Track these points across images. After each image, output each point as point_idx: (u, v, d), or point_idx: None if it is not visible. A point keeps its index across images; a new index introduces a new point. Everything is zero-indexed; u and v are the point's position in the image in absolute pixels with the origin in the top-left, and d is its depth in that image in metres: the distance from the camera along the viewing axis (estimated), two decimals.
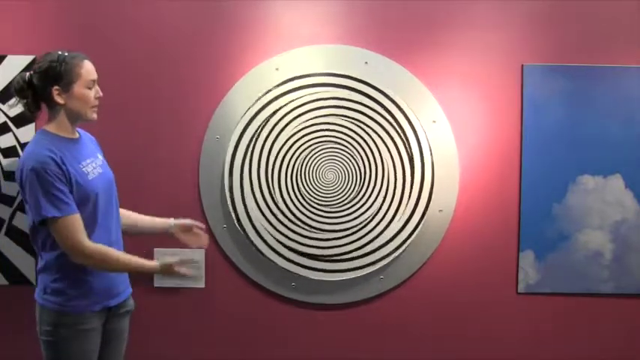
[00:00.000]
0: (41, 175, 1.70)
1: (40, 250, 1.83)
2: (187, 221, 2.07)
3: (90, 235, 1.78)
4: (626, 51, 2.35)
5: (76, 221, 1.73)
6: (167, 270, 1.86)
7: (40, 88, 1.78)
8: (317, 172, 2.32)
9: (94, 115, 1.85)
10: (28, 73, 1.80)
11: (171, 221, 2.07)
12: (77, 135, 1.89)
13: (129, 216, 2.05)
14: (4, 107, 2.30)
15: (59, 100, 1.78)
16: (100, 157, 1.94)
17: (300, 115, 2.31)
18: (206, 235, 2.08)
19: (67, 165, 1.74)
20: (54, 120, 1.82)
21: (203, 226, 2.08)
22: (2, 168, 2.31)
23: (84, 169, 1.80)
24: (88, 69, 1.81)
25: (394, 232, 2.32)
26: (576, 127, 2.34)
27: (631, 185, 2.36)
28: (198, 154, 2.33)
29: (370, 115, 2.31)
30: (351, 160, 2.32)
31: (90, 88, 1.81)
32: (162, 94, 2.33)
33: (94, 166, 1.86)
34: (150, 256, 2.33)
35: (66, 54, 1.80)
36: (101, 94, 1.85)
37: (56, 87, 1.77)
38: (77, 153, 1.83)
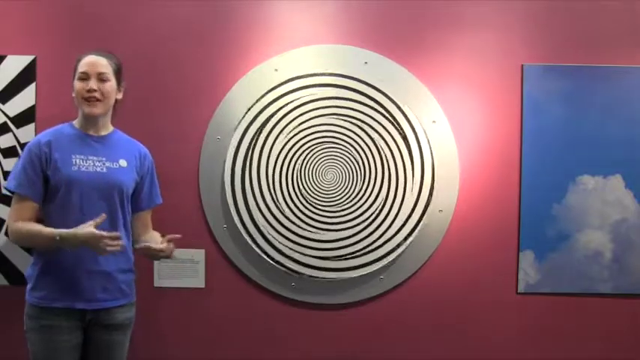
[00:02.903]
0: (26, 152, 1.87)
1: None
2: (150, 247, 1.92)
3: (60, 224, 1.82)
4: (626, 51, 2.35)
5: (22, 203, 1.85)
6: (94, 243, 1.74)
7: None
8: (317, 172, 2.32)
9: (88, 109, 1.88)
10: None
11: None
12: (101, 134, 1.94)
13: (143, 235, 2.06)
14: (5, 107, 2.30)
15: (73, 94, 1.92)
16: (124, 163, 1.95)
17: (300, 116, 2.31)
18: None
19: (53, 150, 1.85)
20: None
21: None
22: (2, 168, 2.31)
23: (74, 159, 1.86)
24: (82, 62, 1.89)
25: (394, 232, 2.32)
26: (576, 127, 2.34)
27: (631, 185, 2.35)
28: (199, 154, 2.33)
29: (370, 115, 2.31)
30: (350, 160, 2.32)
31: (82, 80, 1.87)
32: (162, 95, 2.33)
33: (96, 164, 1.88)
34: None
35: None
36: (91, 87, 1.86)
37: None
38: (83, 146, 1.90)
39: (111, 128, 1.99)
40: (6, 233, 2.31)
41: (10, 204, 1.91)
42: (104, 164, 1.90)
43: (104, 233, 1.73)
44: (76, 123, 1.95)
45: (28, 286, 1.89)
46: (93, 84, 1.86)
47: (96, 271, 1.86)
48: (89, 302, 1.87)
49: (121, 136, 2.02)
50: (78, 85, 1.86)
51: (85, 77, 1.86)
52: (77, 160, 1.86)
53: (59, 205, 1.84)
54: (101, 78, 1.88)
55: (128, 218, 1.98)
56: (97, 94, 1.87)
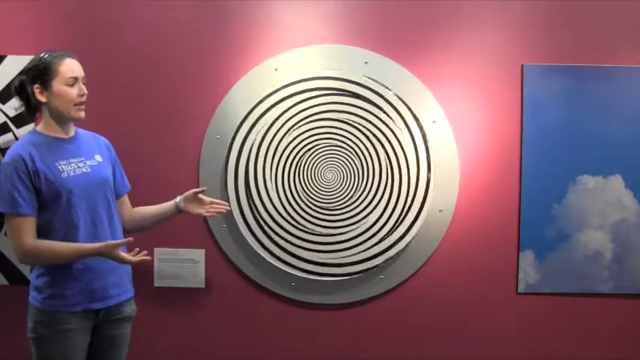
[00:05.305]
0: (7, 171, 1.78)
1: None
2: (190, 191, 2.08)
3: (72, 233, 1.81)
4: (626, 51, 2.35)
5: (24, 222, 1.78)
6: (107, 251, 1.80)
7: (27, 88, 1.84)
8: (316, 171, 2.32)
9: (80, 114, 1.86)
10: (23, 75, 1.85)
11: (177, 198, 2.08)
12: (71, 134, 1.91)
13: (137, 211, 2.09)
14: (5, 107, 2.30)
15: (41, 98, 1.83)
16: (99, 158, 1.94)
17: (299, 113, 2.31)
18: (217, 202, 2.11)
19: (37, 163, 1.79)
20: (42, 120, 1.87)
21: (204, 188, 2.09)
22: None
23: (60, 167, 1.83)
24: (68, 66, 1.83)
25: (394, 231, 2.32)
26: (576, 127, 2.34)
27: (631, 185, 2.35)
28: (199, 154, 2.33)
29: (370, 114, 2.31)
30: (350, 160, 2.32)
31: (70, 86, 1.83)
32: (162, 94, 2.33)
33: (79, 165, 1.87)
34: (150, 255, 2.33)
35: (50, 53, 1.85)
36: (85, 91, 1.85)
37: (37, 85, 1.82)
38: (61, 151, 1.86)
39: (74, 128, 1.96)
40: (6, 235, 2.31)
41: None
42: (85, 163, 1.88)
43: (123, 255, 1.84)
44: (41, 129, 1.86)
45: (40, 295, 1.83)
46: (84, 88, 1.86)
47: (106, 269, 1.87)
48: (104, 300, 1.88)
49: (83, 132, 1.99)
50: (69, 90, 1.81)
51: (73, 83, 1.83)
52: (62, 167, 1.83)
53: (63, 212, 1.81)
54: (83, 82, 1.87)
55: (117, 210, 2.00)
56: (83, 98, 1.87)
